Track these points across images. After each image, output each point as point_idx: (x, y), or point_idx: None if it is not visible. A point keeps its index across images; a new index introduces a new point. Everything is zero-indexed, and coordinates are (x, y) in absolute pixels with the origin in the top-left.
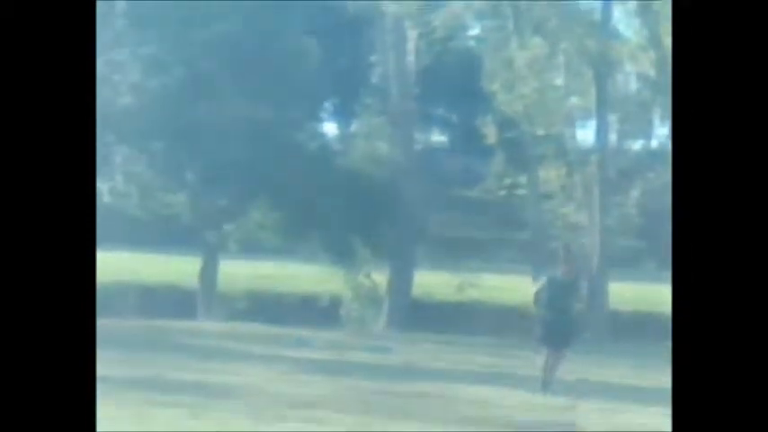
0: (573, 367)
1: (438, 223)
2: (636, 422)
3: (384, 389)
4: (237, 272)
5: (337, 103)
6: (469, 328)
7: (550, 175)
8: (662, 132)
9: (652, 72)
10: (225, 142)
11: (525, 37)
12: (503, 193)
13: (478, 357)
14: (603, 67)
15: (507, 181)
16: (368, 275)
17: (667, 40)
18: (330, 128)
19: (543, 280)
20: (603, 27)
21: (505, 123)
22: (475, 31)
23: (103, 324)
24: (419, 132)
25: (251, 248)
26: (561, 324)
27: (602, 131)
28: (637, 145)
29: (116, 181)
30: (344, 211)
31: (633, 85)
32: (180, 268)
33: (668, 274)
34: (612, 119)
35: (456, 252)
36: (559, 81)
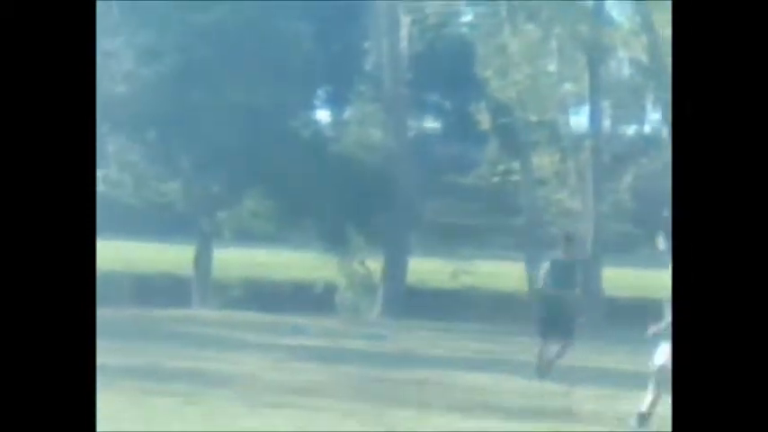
0: (568, 353)
1: (432, 210)
2: (632, 408)
3: (379, 376)
4: (232, 260)
5: (330, 90)
6: (464, 314)
7: (544, 161)
8: (655, 117)
9: (645, 58)
10: (218, 130)
11: (518, 23)
12: (496, 179)
13: (473, 344)
14: (596, 53)
15: (501, 167)
16: (362, 263)
17: (662, 29)
18: (323, 115)
19: (547, 264)
20: (596, 13)
21: (499, 110)
22: (468, 17)
23: (98, 313)
24: (412, 119)
25: (245, 236)
26: (564, 310)
27: (595, 117)
28: (630, 130)
29: (110, 170)
30: (338, 199)
31: (626, 71)
32: (174, 256)
33: (662, 260)
34: (605, 104)
35: (450, 239)
36: (552, 67)
